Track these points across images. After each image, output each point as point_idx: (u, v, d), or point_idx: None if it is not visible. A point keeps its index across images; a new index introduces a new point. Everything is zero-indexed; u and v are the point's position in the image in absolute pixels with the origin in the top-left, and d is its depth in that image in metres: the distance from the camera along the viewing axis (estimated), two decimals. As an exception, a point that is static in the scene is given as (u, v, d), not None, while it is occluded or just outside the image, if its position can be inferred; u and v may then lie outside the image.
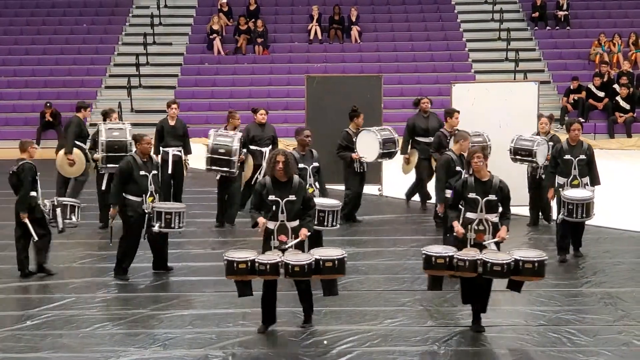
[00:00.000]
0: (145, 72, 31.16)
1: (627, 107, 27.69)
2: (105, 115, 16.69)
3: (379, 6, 34.82)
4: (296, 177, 10.51)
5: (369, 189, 18.94)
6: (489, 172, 10.59)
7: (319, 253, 10.20)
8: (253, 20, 32.70)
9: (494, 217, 10.45)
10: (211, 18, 33.05)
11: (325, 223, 12.71)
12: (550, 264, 13.40)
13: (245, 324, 10.81)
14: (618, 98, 27.83)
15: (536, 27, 33.20)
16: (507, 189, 10.52)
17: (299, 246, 10.39)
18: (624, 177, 20.51)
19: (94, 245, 14.87)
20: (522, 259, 10.06)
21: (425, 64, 31.61)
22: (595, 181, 13.89)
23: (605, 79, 28.51)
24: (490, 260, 9.96)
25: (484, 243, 10.35)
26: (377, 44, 32.89)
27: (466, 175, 10.65)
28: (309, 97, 19.49)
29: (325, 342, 10.16)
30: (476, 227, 10.42)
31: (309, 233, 10.50)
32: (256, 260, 10.03)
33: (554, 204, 14.32)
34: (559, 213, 13.68)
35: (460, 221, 10.52)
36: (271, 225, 10.38)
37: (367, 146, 16.53)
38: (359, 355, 9.79)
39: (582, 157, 13.71)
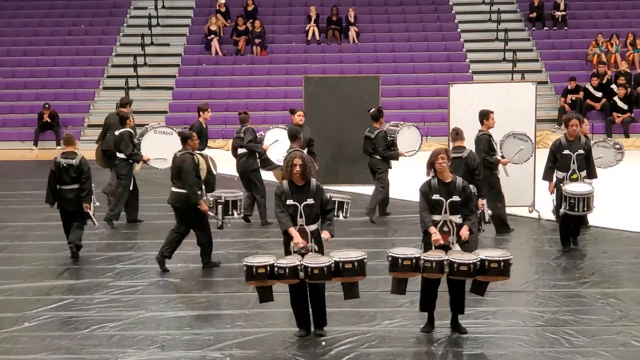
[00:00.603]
0: (143, 73, 31.17)
1: (625, 107, 27.70)
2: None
3: (376, 7, 34.82)
4: (314, 181, 10.42)
5: (367, 190, 18.95)
6: (452, 173, 10.59)
7: (338, 255, 10.09)
8: (251, 20, 32.69)
9: (458, 218, 10.42)
10: (209, 19, 33.04)
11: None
12: (549, 265, 13.48)
13: (243, 326, 10.81)
14: (616, 98, 27.84)
15: (534, 28, 33.21)
16: (470, 189, 10.52)
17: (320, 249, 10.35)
18: (622, 178, 20.46)
19: (92, 246, 14.85)
20: (487, 258, 10.04)
21: (423, 64, 31.62)
22: (592, 175, 14.38)
23: (603, 80, 28.52)
24: (457, 261, 9.94)
25: (453, 245, 10.33)
26: (374, 44, 32.89)
27: (429, 177, 10.57)
28: (307, 97, 19.51)
29: (323, 343, 10.16)
30: (440, 229, 10.40)
31: (332, 237, 10.45)
32: (275, 264, 9.95)
33: (553, 197, 14.46)
34: (559, 207, 14.02)
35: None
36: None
37: (408, 141, 17.16)
38: (357, 356, 9.79)
39: (581, 151, 14.15)
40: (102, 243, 15.12)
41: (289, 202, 10.27)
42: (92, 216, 14.23)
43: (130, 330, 10.71)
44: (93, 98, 30.35)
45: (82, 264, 13.80)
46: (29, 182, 21.80)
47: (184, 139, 13.55)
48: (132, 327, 10.85)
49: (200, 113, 17.43)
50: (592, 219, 16.34)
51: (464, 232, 10.39)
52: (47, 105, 27.96)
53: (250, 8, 33.44)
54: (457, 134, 14.21)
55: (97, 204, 14.62)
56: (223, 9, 33.59)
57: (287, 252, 10.33)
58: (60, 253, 14.39)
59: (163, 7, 34.90)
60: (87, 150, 26.73)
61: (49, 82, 31.11)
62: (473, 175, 13.62)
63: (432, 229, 10.35)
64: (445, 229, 10.36)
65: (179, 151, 13.51)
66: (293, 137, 14.81)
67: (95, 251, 14.59)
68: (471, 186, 10.73)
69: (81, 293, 12.27)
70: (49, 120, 27.84)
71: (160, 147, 16.45)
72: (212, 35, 32.39)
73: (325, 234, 10.38)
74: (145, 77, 31.10)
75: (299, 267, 9.86)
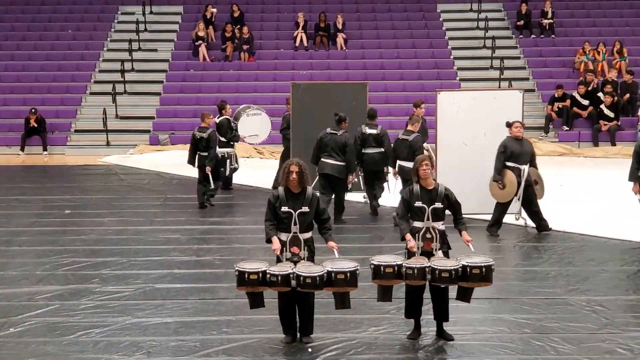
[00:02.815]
0: (130, 78, 31.11)
1: (612, 115, 27.79)
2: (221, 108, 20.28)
3: (364, 14, 34.88)
4: (309, 189, 10.34)
5: (354, 197, 18.98)
6: (434, 180, 10.59)
7: (331, 265, 10.04)
8: (238, 27, 32.69)
9: (440, 225, 10.43)
10: (196, 25, 33.03)
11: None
12: (535, 273, 13.50)
13: (229, 332, 10.79)
14: (602, 106, 27.92)
15: (521, 36, 33.32)
16: (454, 195, 10.51)
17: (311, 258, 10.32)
18: (608, 186, 20.54)
19: (78, 252, 14.82)
20: (469, 264, 10.05)
21: (411, 71, 31.67)
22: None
23: (590, 88, 28.60)
24: (439, 267, 9.92)
25: (436, 252, 10.35)
26: (362, 51, 32.94)
27: (413, 184, 10.57)
28: (294, 104, 19.50)
29: (309, 350, 10.15)
30: (423, 236, 10.40)
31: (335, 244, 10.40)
32: (267, 271, 9.89)
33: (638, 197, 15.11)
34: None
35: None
36: (284, 237, 10.25)
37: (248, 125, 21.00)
38: (343, 363, 9.80)
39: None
40: (88, 249, 15.07)
41: (284, 208, 10.21)
42: (211, 179, 18.47)
43: (116, 337, 10.67)
44: (80, 103, 30.29)
45: (68, 269, 13.75)
46: (15, 187, 21.73)
47: (340, 120, 16.91)
48: (118, 333, 10.81)
49: (223, 111, 19.94)
50: (579, 227, 16.42)
51: (466, 237, 10.40)
52: (33, 110, 27.88)
53: (236, 14, 33.43)
54: (410, 119, 17.00)
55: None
56: (209, 16, 33.49)
57: (279, 259, 10.30)
58: (46, 259, 14.34)
59: (151, 12, 34.89)
60: (75, 155, 26.94)
61: (36, 87, 31.05)
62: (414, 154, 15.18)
63: (408, 236, 10.34)
64: (428, 235, 10.36)
65: (338, 131, 16.87)
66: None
67: (81, 257, 14.53)
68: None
69: (67, 299, 12.21)
70: (35, 125, 27.75)
71: (252, 126, 21.00)
72: (200, 41, 32.38)
73: (331, 244, 10.31)
74: (133, 83, 31.06)
75: (291, 275, 9.82)
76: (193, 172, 22.89)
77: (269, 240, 10.30)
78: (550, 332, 10.70)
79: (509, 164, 15.73)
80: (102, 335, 10.71)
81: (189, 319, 11.38)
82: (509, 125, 15.76)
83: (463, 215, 10.69)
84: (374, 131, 17.40)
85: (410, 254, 10.35)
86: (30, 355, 10.05)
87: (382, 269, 10.05)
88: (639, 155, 14.81)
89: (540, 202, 16.11)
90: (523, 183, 15.71)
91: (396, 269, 10.03)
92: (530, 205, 16.01)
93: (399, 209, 10.56)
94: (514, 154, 15.67)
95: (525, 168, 15.68)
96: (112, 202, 19.40)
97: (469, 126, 16.71)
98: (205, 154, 18.42)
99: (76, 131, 28.89)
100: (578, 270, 13.68)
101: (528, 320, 11.20)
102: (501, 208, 16.04)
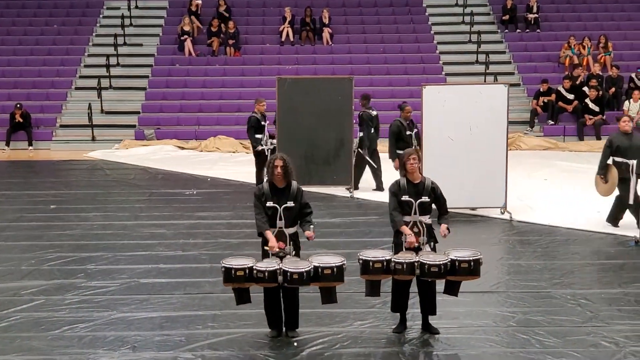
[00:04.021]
0: (115, 73, 31.03)
1: (597, 109, 27.84)
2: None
3: (350, 8, 34.88)
4: (294, 183, 10.34)
5: (339, 191, 19.00)
6: (421, 174, 10.62)
7: (317, 260, 10.06)
8: (222, 21, 32.62)
9: (427, 219, 10.44)
10: (182, 19, 32.96)
11: None
12: (520, 266, 13.53)
13: (214, 326, 10.79)
14: (587, 100, 27.98)
15: (506, 30, 33.36)
16: (440, 189, 10.52)
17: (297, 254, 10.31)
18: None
19: (63, 247, 14.79)
20: (458, 258, 10.08)
21: (397, 66, 31.66)
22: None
23: (575, 82, 28.66)
24: (428, 262, 9.95)
25: (423, 246, 10.36)
26: (348, 45, 32.92)
27: (399, 178, 10.58)
28: (280, 98, 19.48)
29: (295, 344, 10.16)
30: (411, 229, 10.40)
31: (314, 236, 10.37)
32: (254, 267, 9.90)
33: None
34: None
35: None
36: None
37: None
38: (329, 357, 9.80)
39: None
40: (73, 244, 15.04)
41: (269, 203, 10.21)
42: None
43: (101, 331, 10.66)
44: (65, 98, 30.19)
45: (53, 264, 13.73)
46: (0, 182, 21.66)
47: (400, 108, 18.16)
48: (103, 328, 10.80)
49: (257, 105, 19.60)
50: (564, 221, 16.46)
51: (443, 230, 10.40)
52: (19, 105, 27.78)
53: (222, 8, 33.38)
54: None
55: None
56: (194, 8, 33.44)
57: (265, 254, 10.29)
58: (31, 254, 14.31)
59: (136, 7, 34.81)
60: (60, 150, 26.86)
61: (21, 82, 30.91)
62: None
63: (406, 229, 10.33)
64: (415, 229, 10.37)
65: None
66: None
67: (67, 252, 14.51)
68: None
69: (52, 294, 12.19)
70: (21, 120, 27.64)
71: None
72: (185, 36, 32.31)
73: (308, 233, 10.28)
74: (118, 78, 30.96)
75: (278, 271, 9.83)
76: (178, 167, 22.93)
77: (260, 234, 10.30)
78: (535, 326, 10.73)
79: (616, 158, 15.48)
80: (87, 330, 10.70)
81: (174, 313, 11.37)
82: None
83: (448, 211, 10.71)
84: (375, 112, 19.69)
85: (398, 248, 10.36)
86: (16, 350, 10.04)
87: (370, 264, 10.07)
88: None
89: (524, 195, 16.12)
90: (634, 178, 15.17)
91: (385, 264, 10.05)
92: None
93: (389, 204, 10.56)
94: (620, 148, 15.39)
95: (634, 163, 15.09)
96: (98, 197, 19.35)
97: (454, 120, 16.71)
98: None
99: (61, 126, 28.80)
100: (563, 263, 13.72)
101: (513, 313, 11.23)
102: (617, 203, 15.83)
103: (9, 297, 12.03)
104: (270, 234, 10.22)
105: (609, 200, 16.04)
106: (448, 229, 10.44)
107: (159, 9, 35.24)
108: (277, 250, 10.15)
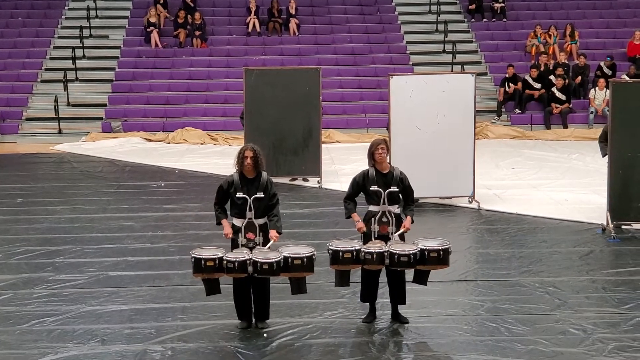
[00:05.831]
0: (81, 65, 30.82)
1: (563, 98, 27.97)
2: None
3: (317, -1, 34.87)
4: (264, 174, 10.30)
5: (309, 182, 19.01)
6: (390, 164, 10.64)
7: (287, 251, 10.04)
8: (188, 12, 32.50)
9: (396, 209, 10.46)
10: (148, 11, 32.80)
11: None
12: (488, 255, 13.60)
13: (184, 319, 10.77)
14: (554, 89, 28.11)
15: (473, 19, 33.45)
16: (408, 180, 10.53)
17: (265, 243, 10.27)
18: (560, 168, 20.73)
19: (31, 240, 14.70)
20: (427, 248, 10.11)
21: (364, 56, 31.65)
22: None
23: (542, 69, 28.78)
24: (397, 252, 9.97)
25: (392, 235, 10.37)
26: (315, 36, 32.89)
27: (368, 168, 10.60)
28: (247, 89, 19.44)
29: (265, 335, 10.16)
30: (379, 220, 10.45)
31: (280, 234, 10.32)
32: (224, 258, 9.88)
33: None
34: None
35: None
36: (238, 222, 10.22)
37: None
38: (299, 347, 9.80)
39: None
40: (40, 237, 14.96)
41: (239, 194, 10.18)
42: None
43: (70, 325, 10.61)
44: (31, 91, 29.97)
45: (21, 258, 13.64)
46: (-34, 176, 21.52)
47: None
48: (72, 321, 10.75)
49: None
50: (532, 209, 16.55)
51: (407, 224, 10.42)
52: (-16, 99, 27.58)
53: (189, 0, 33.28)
54: None
55: None
56: (161, 0, 33.33)
57: (235, 245, 10.27)
58: (-2, 248, 14.25)
59: (102, -2, 34.64)
60: (26, 144, 26.68)
61: (-15, 75, 30.68)
62: None
63: (355, 216, 10.43)
64: (384, 219, 10.39)
65: None
66: None
67: (34, 245, 14.42)
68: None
69: (20, 288, 12.12)
70: (-14, 113, 27.47)
71: None
72: (152, 27, 32.14)
73: (272, 233, 10.23)
74: (84, 70, 30.74)
75: (248, 262, 9.81)
76: (146, 159, 22.85)
77: (219, 223, 10.31)
78: (504, 314, 10.79)
79: None
80: (56, 324, 10.64)
81: (143, 306, 11.34)
82: None
83: (414, 201, 10.73)
84: None
85: (366, 238, 10.38)
86: (-17, 345, 9.98)
87: (340, 254, 10.07)
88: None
89: (492, 183, 16.15)
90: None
91: (355, 254, 10.06)
92: None
93: (347, 191, 10.63)
94: None
95: None
96: (65, 190, 19.24)
97: (422, 110, 16.75)
98: None
99: (27, 119, 28.58)
100: (531, 252, 13.79)
101: (482, 302, 11.29)
102: None
103: (-24, 292, 11.96)
104: (226, 222, 10.25)
105: (576, 189, 16.13)
106: (412, 220, 10.46)
107: (125, 1, 35.01)
108: (245, 240, 10.14)
